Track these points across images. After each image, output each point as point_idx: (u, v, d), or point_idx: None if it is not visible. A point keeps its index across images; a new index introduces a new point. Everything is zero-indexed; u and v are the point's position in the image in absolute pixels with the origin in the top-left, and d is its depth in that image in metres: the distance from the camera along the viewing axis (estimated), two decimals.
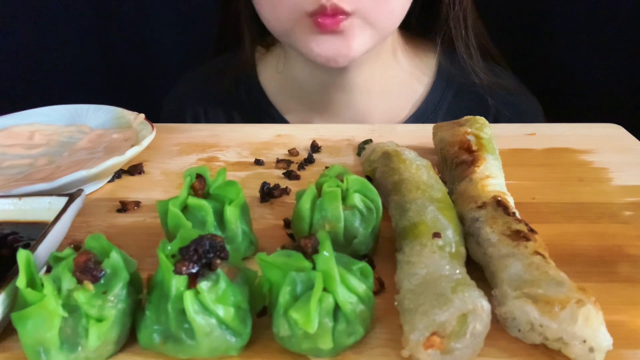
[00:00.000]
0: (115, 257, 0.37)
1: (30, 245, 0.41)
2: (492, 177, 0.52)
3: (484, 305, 0.36)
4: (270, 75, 0.92)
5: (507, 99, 0.87)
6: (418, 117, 0.88)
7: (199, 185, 0.47)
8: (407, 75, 0.89)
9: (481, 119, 0.61)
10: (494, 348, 0.38)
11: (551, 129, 0.72)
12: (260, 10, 0.78)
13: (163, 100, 0.99)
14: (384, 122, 0.86)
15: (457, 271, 0.40)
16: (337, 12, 0.70)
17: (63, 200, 0.48)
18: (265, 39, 0.91)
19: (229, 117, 0.93)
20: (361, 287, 0.38)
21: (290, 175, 0.63)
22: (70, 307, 0.36)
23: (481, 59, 0.86)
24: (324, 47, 0.73)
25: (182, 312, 0.36)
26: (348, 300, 0.37)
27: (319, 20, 0.70)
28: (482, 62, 0.86)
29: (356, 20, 0.72)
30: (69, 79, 1.17)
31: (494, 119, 0.86)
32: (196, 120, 0.93)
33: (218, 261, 0.37)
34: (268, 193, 0.58)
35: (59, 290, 0.36)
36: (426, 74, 0.90)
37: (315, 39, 0.73)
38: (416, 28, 0.90)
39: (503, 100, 0.87)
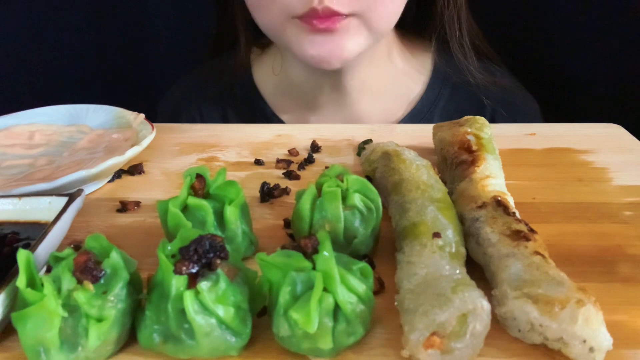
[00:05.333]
0: (115, 257, 0.37)
1: (30, 245, 0.41)
2: (492, 177, 0.52)
3: (484, 305, 0.36)
4: (266, 76, 0.92)
5: (503, 98, 0.87)
6: (414, 116, 0.88)
7: (199, 185, 0.47)
8: (403, 75, 0.89)
9: (481, 119, 0.61)
10: (494, 348, 0.38)
11: (551, 129, 0.72)
12: (253, 13, 0.78)
13: (158, 104, 0.99)
14: (380, 121, 0.86)
15: (457, 271, 0.40)
16: (332, 14, 0.70)
17: (63, 200, 0.48)
18: (261, 40, 0.91)
19: (225, 119, 0.93)
20: (361, 287, 0.38)
21: (290, 175, 0.63)
22: (70, 307, 0.36)
23: (476, 59, 0.86)
24: (317, 47, 0.73)
25: (182, 312, 0.36)
26: (348, 300, 0.37)
27: (313, 21, 0.70)
28: (478, 62, 0.86)
29: (354, 21, 0.72)
30: (69, 79, 1.17)
31: (491, 117, 0.86)
32: (191, 121, 0.93)
33: (218, 261, 0.37)
34: (268, 193, 0.58)
35: (59, 290, 0.36)
36: (422, 73, 0.90)
37: (308, 39, 0.73)
38: (412, 27, 0.90)
39: (499, 99, 0.87)
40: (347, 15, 0.71)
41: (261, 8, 0.75)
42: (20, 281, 0.35)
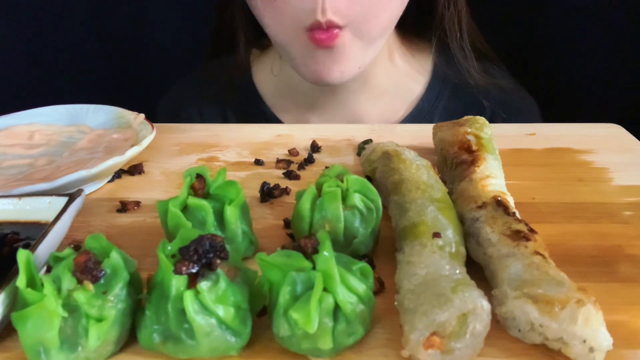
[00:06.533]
0: (115, 257, 0.37)
1: (30, 245, 0.41)
2: (492, 177, 0.52)
3: (484, 305, 0.36)
4: (265, 76, 0.92)
5: (503, 99, 0.87)
6: (414, 116, 0.88)
7: (199, 185, 0.47)
8: (403, 76, 0.89)
9: (481, 119, 0.61)
10: (494, 348, 0.38)
11: (551, 129, 0.72)
12: (262, 20, 0.78)
13: (158, 105, 0.99)
14: (380, 121, 0.87)
15: (457, 271, 0.40)
16: (332, 27, 0.70)
17: (63, 200, 0.48)
18: (260, 41, 0.91)
19: (224, 120, 0.93)
20: (361, 287, 0.38)
21: (290, 175, 0.63)
22: (70, 307, 0.36)
23: (476, 60, 0.86)
24: (317, 65, 0.74)
25: (182, 312, 0.36)
26: (348, 300, 0.37)
27: (315, 36, 0.71)
28: (477, 63, 0.86)
29: (348, 34, 0.72)
30: (69, 79, 1.18)
31: (490, 119, 0.86)
32: (191, 122, 0.93)
33: (218, 261, 0.37)
34: (268, 193, 0.58)
35: (59, 290, 0.36)
36: (422, 74, 0.90)
37: (310, 55, 0.74)
38: (412, 28, 0.90)
39: (498, 101, 0.87)
40: (342, 28, 0.71)
41: (271, 18, 0.75)
42: (20, 281, 0.35)
